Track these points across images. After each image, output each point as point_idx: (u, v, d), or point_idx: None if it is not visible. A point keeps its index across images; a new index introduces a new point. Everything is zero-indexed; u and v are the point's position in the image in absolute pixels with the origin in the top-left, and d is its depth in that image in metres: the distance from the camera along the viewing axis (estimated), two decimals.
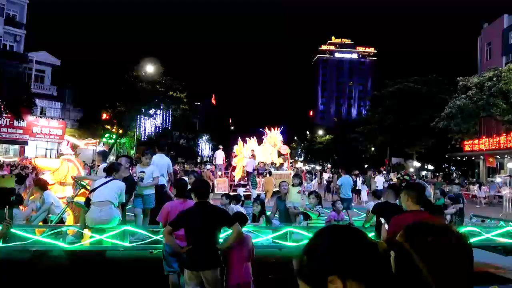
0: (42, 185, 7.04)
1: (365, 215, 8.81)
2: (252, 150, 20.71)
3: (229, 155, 24.55)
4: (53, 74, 39.50)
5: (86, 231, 6.06)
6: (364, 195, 18.24)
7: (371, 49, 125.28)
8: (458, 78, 33.29)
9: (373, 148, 53.76)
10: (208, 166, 19.30)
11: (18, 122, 32.22)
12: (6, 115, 30.54)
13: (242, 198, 8.87)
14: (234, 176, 20.75)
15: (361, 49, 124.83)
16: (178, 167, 22.68)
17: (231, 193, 11.16)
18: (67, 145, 8.38)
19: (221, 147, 23.29)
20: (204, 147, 69.62)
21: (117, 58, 37.38)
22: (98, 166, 7.89)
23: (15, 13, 37.74)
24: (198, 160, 54.65)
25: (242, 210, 7.69)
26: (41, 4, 53.56)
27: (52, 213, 6.88)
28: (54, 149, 35.36)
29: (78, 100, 38.09)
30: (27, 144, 35.19)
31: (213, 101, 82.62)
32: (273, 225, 7.49)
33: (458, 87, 33.09)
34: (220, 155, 22.04)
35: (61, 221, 6.85)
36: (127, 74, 37.45)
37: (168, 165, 8.42)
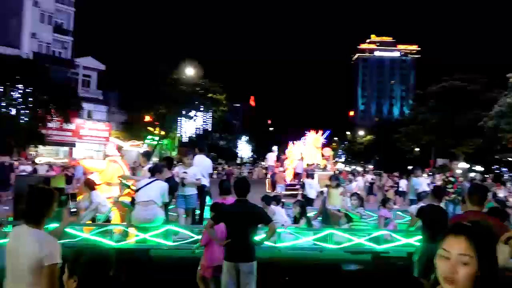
0: (90, 185, 7.31)
1: (409, 218, 8.53)
2: (301, 153, 21.13)
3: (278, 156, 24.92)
4: (99, 79, 41.16)
5: (131, 230, 6.24)
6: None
7: (414, 47, 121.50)
8: (508, 75, 31.65)
9: (417, 149, 52.08)
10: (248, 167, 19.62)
11: (67, 125, 33.82)
12: (56, 118, 32.11)
13: (283, 200, 8.84)
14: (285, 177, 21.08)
15: (402, 46, 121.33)
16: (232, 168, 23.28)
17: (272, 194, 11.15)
18: (113, 146, 8.66)
19: (274, 149, 23.65)
20: (243, 148, 70.10)
21: (159, 61, 38.35)
22: (143, 166, 8.10)
23: (62, 21, 39.62)
24: (238, 161, 55.09)
25: (282, 211, 7.68)
26: (87, 12, 55.96)
27: (99, 212, 7.13)
28: (100, 151, 36.80)
29: (122, 103, 39.45)
30: (75, 146, 36.84)
31: (252, 102, 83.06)
32: (314, 227, 7.41)
33: (509, 84, 31.47)
34: (271, 157, 22.35)
35: (108, 220, 7.09)
36: (168, 77, 38.37)
37: (209, 166, 8.53)
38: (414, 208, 7.82)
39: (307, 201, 9.55)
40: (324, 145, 25.62)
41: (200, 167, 7.99)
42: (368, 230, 6.83)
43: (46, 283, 2.53)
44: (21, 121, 29.09)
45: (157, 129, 40.68)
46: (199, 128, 46.07)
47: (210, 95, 42.84)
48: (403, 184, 18.93)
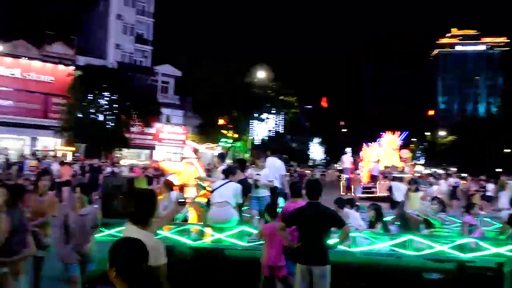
0: (169, 186, 7.66)
1: (499, 225, 7.85)
2: (378, 155, 20.56)
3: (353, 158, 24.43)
4: (176, 85, 43.26)
5: (207, 230, 6.44)
6: (504, 202, 16.22)
7: (502, 39, 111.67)
8: None
9: (507, 150, 47.82)
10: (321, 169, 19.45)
11: (148, 129, 36.00)
12: (138, 123, 34.31)
13: (357, 203, 8.59)
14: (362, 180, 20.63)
15: (488, 39, 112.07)
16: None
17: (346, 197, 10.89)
18: (189, 149, 9.01)
19: (347, 151, 23.21)
20: (316, 150, 69.38)
21: (231, 65, 39.21)
22: (217, 168, 8.34)
23: (142, 31, 42.25)
24: (310, 163, 54.63)
25: (356, 215, 7.45)
26: (163, 21, 59.03)
27: (177, 212, 7.45)
28: (178, 153, 38.60)
29: (197, 108, 41.05)
30: (154, 148, 39.08)
31: (324, 103, 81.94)
32: (391, 232, 7.09)
33: None
34: (347, 159, 21.95)
35: (185, 220, 7.38)
36: (241, 81, 39.16)
37: (281, 168, 8.54)
38: (505, 214, 7.18)
39: (394, 204, 9.18)
40: (401, 147, 24.60)
41: (272, 169, 8.04)
42: (451, 237, 6.38)
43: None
44: (107, 126, 31.49)
45: (231, 132, 41.72)
46: (271, 131, 46.47)
47: (281, 97, 43.04)
48: (490, 188, 17.49)
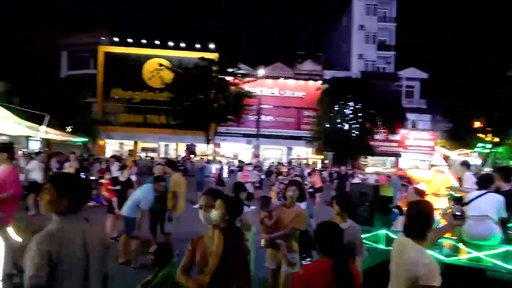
0: (420, 194, 7.25)
1: None
2: None
3: None
4: (422, 88, 40.92)
5: (462, 246, 5.77)
6: None
7: None
8: None
9: None
10: None
11: (392, 136, 35.32)
12: (382, 130, 34.14)
13: None
14: None
15: None
16: None
17: None
18: (439, 156, 8.31)
19: None
20: None
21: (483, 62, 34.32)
22: (463, 176, 7.42)
23: (385, 37, 41.88)
24: None
25: None
26: (407, 24, 56.87)
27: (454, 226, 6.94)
28: (425, 161, 36.30)
29: (446, 111, 37.63)
30: (400, 156, 37.92)
31: None
32: None
33: None
34: None
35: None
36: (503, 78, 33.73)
37: None
38: None
39: None
40: None
41: None
42: None
43: None
44: (352, 134, 32.57)
45: (489, 135, 36.37)
46: None
47: None
48: None
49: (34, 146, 31.47)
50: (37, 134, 9.54)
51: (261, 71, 37.15)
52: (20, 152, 23.11)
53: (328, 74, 38.87)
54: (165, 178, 7.45)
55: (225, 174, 23.40)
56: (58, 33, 41.35)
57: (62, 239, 2.16)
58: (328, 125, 32.87)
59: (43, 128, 8.74)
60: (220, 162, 25.00)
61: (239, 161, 28.79)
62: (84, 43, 40.63)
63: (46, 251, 2.07)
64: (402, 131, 36.69)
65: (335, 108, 32.69)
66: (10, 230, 5.32)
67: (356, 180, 17.35)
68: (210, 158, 31.73)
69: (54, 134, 10.76)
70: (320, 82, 37.65)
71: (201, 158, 21.33)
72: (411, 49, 45.24)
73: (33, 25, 40.28)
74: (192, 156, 28.08)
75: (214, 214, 3.16)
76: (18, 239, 5.31)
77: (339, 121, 32.80)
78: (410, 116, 37.09)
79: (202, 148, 36.62)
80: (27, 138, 27.46)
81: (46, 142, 29.01)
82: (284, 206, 5.07)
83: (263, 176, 19.59)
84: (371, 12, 41.08)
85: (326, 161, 35.74)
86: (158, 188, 7.11)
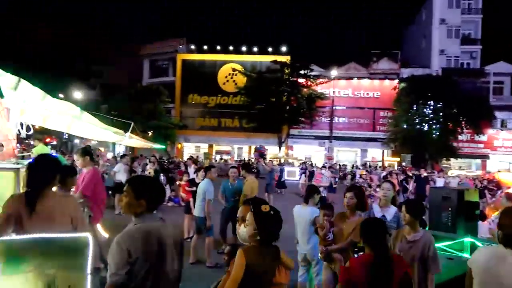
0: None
1: None
2: None
3: None
4: None
5: None
6: None
7: None
8: None
9: None
10: None
11: (479, 137, 32.70)
12: (466, 130, 31.78)
13: None
14: None
15: None
16: None
17: None
18: None
19: None
20: None
21: None
22: None
23: (470, 31, 38.99)
24: None
25: None
26: (494, 15, 52.49)
27: None
28: None
29: None
30: (488, 158, 35.00)
31: None
32: None
33: None
34: None
35: None
36: None
37: None
38: None
39: None
40: None
41: None
42: None
43: None
44: (433, 135, 30.71)
45: None
46: None
47: None
48: None
49: (120, 149, 33.90)
50: (123, 140, 10.22)
51: (334, 72, 36.55)
52: (109, 155, 25.08)
53: (406, 72, 37.12)
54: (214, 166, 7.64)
55: (295, 177, 23.35)
56: (141, 44, 44.29)
57: (139, 237, 2.27)
58: (405, 126, 31.38)
59: (127, 134, 9.36)
60: (281, 164, 24.97)
61: (302, 163, 28.58)
62: (163, 52, 43.03)
63: (126, 250, 2.20)
64: (490, 131, 33.81)
65: (414, 108, 31.11)
66: (99, 227, 5.78)
67: (439, 184, 16.37)
68: (282, 160, 31.81)
69: (137, 140, 11.47)
70: (396, 81, 36.08)
71: (270, 160, 21.46)
72: (499, 42, 41.53)
73: (117, 40, 43.58)
74: (262, 158, 28.40)
75: (242, 230, 2.76)
76: (105, 235, 5.75)
77: (418, 121, 31.16)
78: (499, 115, 34.02)
79: (274, 151, 36.89)
80: (113, 142, 29.62)
81: (130, 146, 31.02)
82: (344, 214, 4.58)
83: (337, 179, 19.22)
84: (453, 5, 38.51)
85: (403, 164, 34.11)
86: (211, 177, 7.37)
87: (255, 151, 35.01)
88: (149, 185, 2.46)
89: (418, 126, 31.07)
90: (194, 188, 8.69)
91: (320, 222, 4.80)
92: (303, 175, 18.79)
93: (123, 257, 2.17)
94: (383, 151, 37.61)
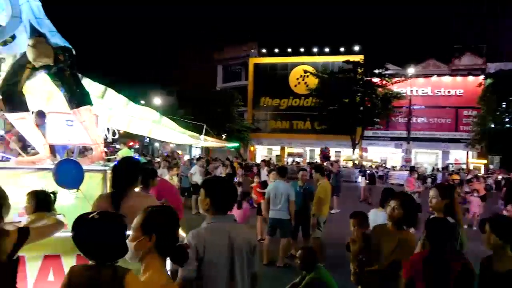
0: None
1: None
2: None
3: None
4: None
5: None
6: None
7: None
8: None
9: None
10: None
11: None
12: None
13: None
14: None
15: None
16: None
17: None
18: None
19: None
20: None
21: None
22: None
23: None
24: None
25: None
26: None
27: None
28: None
29: None
30: None
31: None
32: None
33: None
34: None
35: None
36: None
37: None
38: None
39: None
40: None
41: None
42: None
43: None
44: None
45: None
46: None
47: None
48: None
49: (196, 152, 35.29)
50: (198, 142, 10.66)
51: (411, 70, 34.81)
52: (186, 157, 26.25)
53: (493, 67, 34.23)
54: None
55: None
56: (214, 50, 45.81)
57: (208, 236, 2.37)
58: (493, 125, 28.96)
59: (202, 137, 9.72)
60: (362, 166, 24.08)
61: (370, 166, 27.43)
62: (236, 57, 44.10)
63: (194, 246, 2.30)
64: None
65: (503, 106, 28.61)
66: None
67: None
68: (356, 162, 30.97)
69: (211, 142, 11.86)
70: (482, 77, 33.40)
71: (336, 162, 20.89)
72: None
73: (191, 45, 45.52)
74: (326, 160, 27.79)
75: None
76: (183, 235, 6.01)
77: (508, 120, 28.61)
78: None
79: (348, 152, 36.04)
80: (190, 145, 30.91)
81: (205, 149, 32.16)
82: (385, 228, 3.52)
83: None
84: None
85: (491, 166, 31.50)
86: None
87: (320, 152, 34.54)
88: (218, 185, 2.55)
89: (507, 125, 28.56)
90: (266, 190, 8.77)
91: (352, 235, 3.88)
92: (363, 177, 17.99)
93: (192, 253, 2.25)
94: (467, 152, 35.07)
